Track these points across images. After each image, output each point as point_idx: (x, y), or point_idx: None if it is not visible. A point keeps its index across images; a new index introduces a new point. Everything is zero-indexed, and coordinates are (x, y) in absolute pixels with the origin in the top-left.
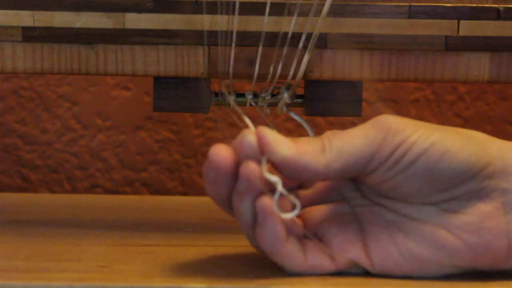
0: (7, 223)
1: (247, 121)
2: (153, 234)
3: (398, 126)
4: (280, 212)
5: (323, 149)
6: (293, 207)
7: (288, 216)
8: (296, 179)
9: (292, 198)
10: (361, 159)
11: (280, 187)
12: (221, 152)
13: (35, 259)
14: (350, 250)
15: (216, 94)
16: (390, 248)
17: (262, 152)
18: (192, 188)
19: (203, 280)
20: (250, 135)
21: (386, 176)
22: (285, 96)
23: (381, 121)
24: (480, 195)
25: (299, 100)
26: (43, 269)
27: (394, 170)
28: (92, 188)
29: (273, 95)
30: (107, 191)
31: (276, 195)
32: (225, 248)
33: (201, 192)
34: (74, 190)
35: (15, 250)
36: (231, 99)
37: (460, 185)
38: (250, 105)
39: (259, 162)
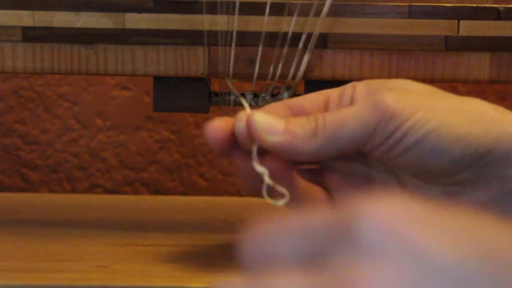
0: (7, 223)
1: (244, 103)
2: (153, 234)
3: (393, 110)
4: (271, 200)
5: (315, 133)
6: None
7: (279, 203)
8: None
9: (279, 188)
10: (353, 143)
11: (266, 179)
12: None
13: (35, 259)
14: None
15: (216, 94)
16: None
17: (252, 139)
18: (192, 188)
19: (203, 280)
20: (241, 121)
21: (384, 157)
22: (285, 96)
23: (377, 102)
24: (478, 182)
25: None
26: (43, 269)
27: (390, 154)
28: (92, 188)
29: (273, 95)
30: (107, 191)
31: (264, 186)
32: (225, 248)
33: (201, 192)
34: (74, 190)
35: (15, 250)
36: (246, 99)
37: (458, 173)
38: (250, 105)
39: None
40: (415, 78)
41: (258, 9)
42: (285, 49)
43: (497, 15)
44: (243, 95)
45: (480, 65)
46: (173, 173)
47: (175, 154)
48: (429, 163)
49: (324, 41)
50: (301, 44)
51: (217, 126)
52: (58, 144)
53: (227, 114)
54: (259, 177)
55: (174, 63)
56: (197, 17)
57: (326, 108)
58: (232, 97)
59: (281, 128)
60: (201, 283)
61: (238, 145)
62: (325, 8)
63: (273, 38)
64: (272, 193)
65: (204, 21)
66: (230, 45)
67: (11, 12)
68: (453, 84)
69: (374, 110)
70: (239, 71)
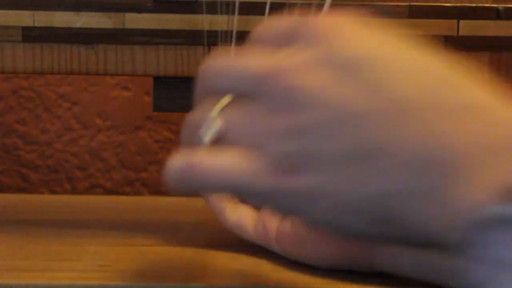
0: (7, 223)
1: None
2: (153, 234)
3: None
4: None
5: None
6: None
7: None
8: None
9: None
10: None
11: None
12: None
13: (35, 259)
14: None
15: None
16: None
17: None
18: None
19: (203, 280)
20: None
21: None
22: None
23: None
24: None
25: None
26: (43, 269)
27: None
28: (92, 188)
29: None
30: (107, 191)
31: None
32: (225, 248)
33: None
34: (74, 190)
35: (15, 250)
36: None
37: None
38: None
39: None
40: None
41: (258, 9)
42: None
43: (496, 15)
44: None
45: (479, 65)
46: None
47: None
48: None
49: None
50: None
51: None
52: (58, 144)
53: None
54: None
55: (174, 63)
56: (197, 17)
57: None
58: None
59: None
60: (201, 283)
61: None
62: (325, 8)
63: None
64: None
65: (204, 21)
66: (230, 45)
67: (11, 12)
68: None
69: None
70: None
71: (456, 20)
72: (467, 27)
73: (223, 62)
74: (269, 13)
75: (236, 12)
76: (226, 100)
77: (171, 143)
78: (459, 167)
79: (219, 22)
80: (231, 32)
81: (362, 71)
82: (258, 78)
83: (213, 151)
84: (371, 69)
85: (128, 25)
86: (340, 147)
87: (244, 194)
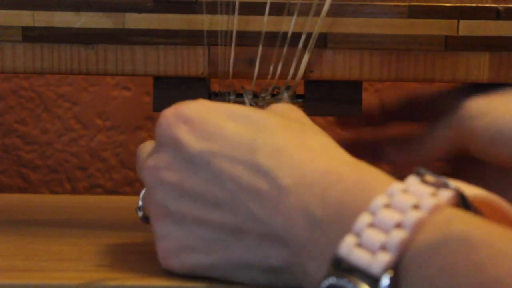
0: (7, 223)
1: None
2: (153, 234)
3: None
4: None
5: None
6: None
7: None
8: None
9: None
10: None
11: None
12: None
13: (35, 259)
14: None
15: (216, 94)
16: None
17: None
18: None
19: (203, 280)
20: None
21: None
22: (285, 96)
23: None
24: None
25: (299, 100)
26: (43, 269)
27: None
28: (92, 188)
29: (273, 95)
30: (107, 191)
31: None
32: None
33: None
34: (74, 190)
35: (15, 250)
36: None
37: None
38: (250, 105)
39: None
40: (415, 78)
41: (258, 9)
42: (285, 49)
43: (496, 15)
44: (241, 95)
45: (479, 65)
46: None
47: None
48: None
49: (324, 41)
50: (301, 44)
51: None
52: (58, 144)
53: None
54: None
55: (174, 63)
56: (197, 17)
57: None
58: (232, 97)
59: None
60: (201, 283)
61: None
62: (325, 8)
63: (273, 38)
64: None
65: (204, 21)
66: (230, 45)
67: (11, 12)
68: (453, 85)
69: None
70: (239, 71)
71: (456, 20)
72: (467, 27)
73: (139, 149)
74: (269, 13)
75: (236, 12)
76: None
77: None
78: (299, 244)
79: (219, 22)
80: (231, 32)
81: (203, 168)
82: (140, 170)
83: None
84: (208, 164)
85: (128, 25)
86: (209, 230)
87: None
